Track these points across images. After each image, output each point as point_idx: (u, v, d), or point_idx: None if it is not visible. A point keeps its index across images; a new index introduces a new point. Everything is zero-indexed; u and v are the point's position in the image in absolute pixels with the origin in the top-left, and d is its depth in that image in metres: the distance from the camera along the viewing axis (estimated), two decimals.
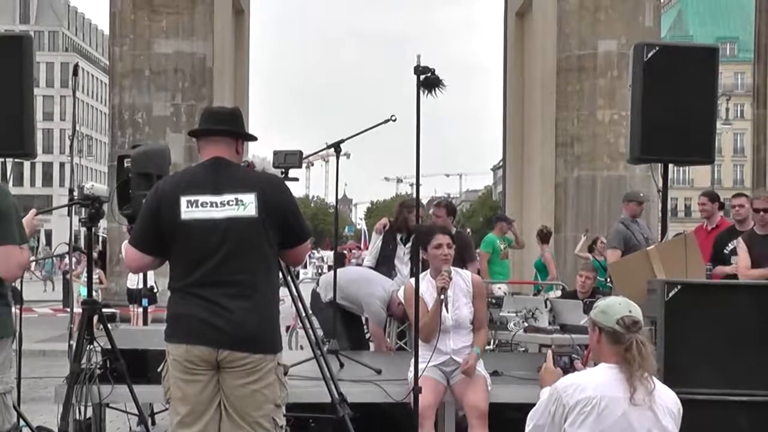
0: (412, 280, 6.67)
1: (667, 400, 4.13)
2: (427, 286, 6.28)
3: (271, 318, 4.65)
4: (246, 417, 4.55)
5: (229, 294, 4.51)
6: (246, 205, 4.56)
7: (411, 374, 6.04)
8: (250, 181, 4.66)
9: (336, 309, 8.09)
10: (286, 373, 4.70)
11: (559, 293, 11.94)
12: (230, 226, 4.54)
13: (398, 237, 9.45)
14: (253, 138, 5.13)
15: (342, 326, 8.38)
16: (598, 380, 4.09)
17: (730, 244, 8.83)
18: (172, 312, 4.65)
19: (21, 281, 5.53)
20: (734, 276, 8.27)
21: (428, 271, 6.41)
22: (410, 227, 9.28)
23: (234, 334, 4.48)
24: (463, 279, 6.41)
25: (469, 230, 24.22)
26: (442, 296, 6.10)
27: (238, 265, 4.54)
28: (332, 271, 10.48)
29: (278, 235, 4.66)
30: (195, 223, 4.56)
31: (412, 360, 6.12)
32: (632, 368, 4.04)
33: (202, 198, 4.57)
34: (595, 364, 4.26)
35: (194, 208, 4.57)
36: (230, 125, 4.79)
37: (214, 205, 4.56)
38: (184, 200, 4.58)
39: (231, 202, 4.56)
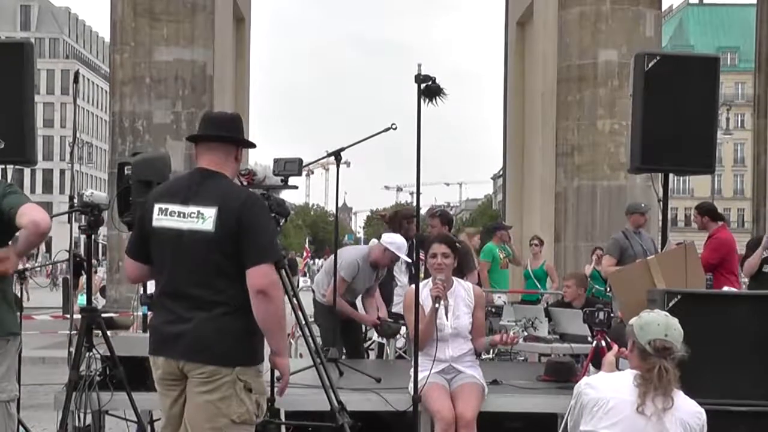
0: (413, 287, 6.67)
1: (685, 413, 4.25)
2: (428, 294, 6.29)
3: (230, 331, 4.44)
4: (196, 427, 4.44)
5: (186, 306, 4.44)
6: (206, 219, 4.44)
7: (412, 383, 6.05)
8: (217, 195, 4.50)
9: (337, 318, 8.09)
10: (251, 390, 4.47)
11: None
12: (190, 238, 4.46)
13: None
14: (252, 145, 5.02)
15: (340, 335, 8.38)
16: (618, 383, 4.27)
17: None
18: (149, 323, 4.67)
19: (21, 289, 5.53)
20: None
21: (430, 278, 6.43)
22: (411, 237, 9.28)
23: (188, 344, 4.42)
24: (464, 289, 6.49)
25: None
26: (437, 305, 6.14)
27: (196, 277, 4.44)
28: (319, 273, 10.54)
29: (238, 252, 4.44)
30: (162, 231, 4.53)
31: (411, 369, 6.11)
32: (648, 388, 4.18)
33: (171, 207, 4.53)
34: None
35: (163, 216, 4.54)
36: (229, 131, 4.66)
37: (181, 215, 4.50)
38: (156, 207, 4.56)
39: (193, 215, 4.47)
